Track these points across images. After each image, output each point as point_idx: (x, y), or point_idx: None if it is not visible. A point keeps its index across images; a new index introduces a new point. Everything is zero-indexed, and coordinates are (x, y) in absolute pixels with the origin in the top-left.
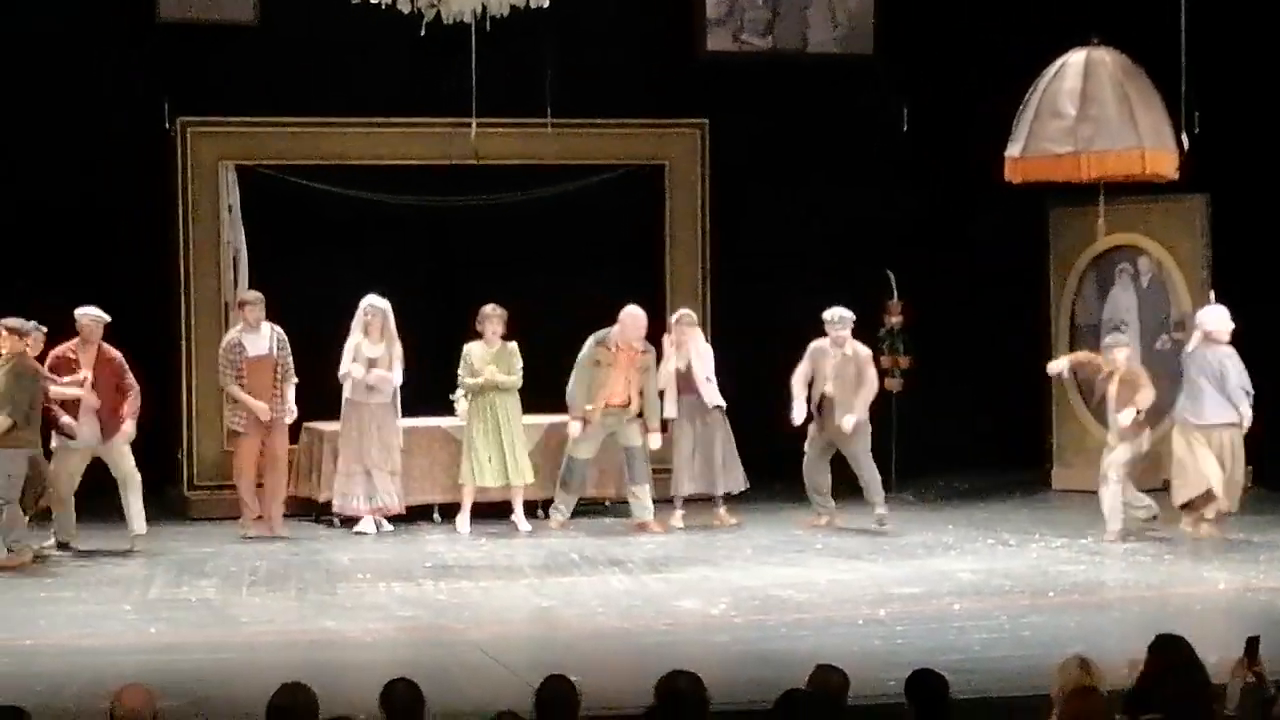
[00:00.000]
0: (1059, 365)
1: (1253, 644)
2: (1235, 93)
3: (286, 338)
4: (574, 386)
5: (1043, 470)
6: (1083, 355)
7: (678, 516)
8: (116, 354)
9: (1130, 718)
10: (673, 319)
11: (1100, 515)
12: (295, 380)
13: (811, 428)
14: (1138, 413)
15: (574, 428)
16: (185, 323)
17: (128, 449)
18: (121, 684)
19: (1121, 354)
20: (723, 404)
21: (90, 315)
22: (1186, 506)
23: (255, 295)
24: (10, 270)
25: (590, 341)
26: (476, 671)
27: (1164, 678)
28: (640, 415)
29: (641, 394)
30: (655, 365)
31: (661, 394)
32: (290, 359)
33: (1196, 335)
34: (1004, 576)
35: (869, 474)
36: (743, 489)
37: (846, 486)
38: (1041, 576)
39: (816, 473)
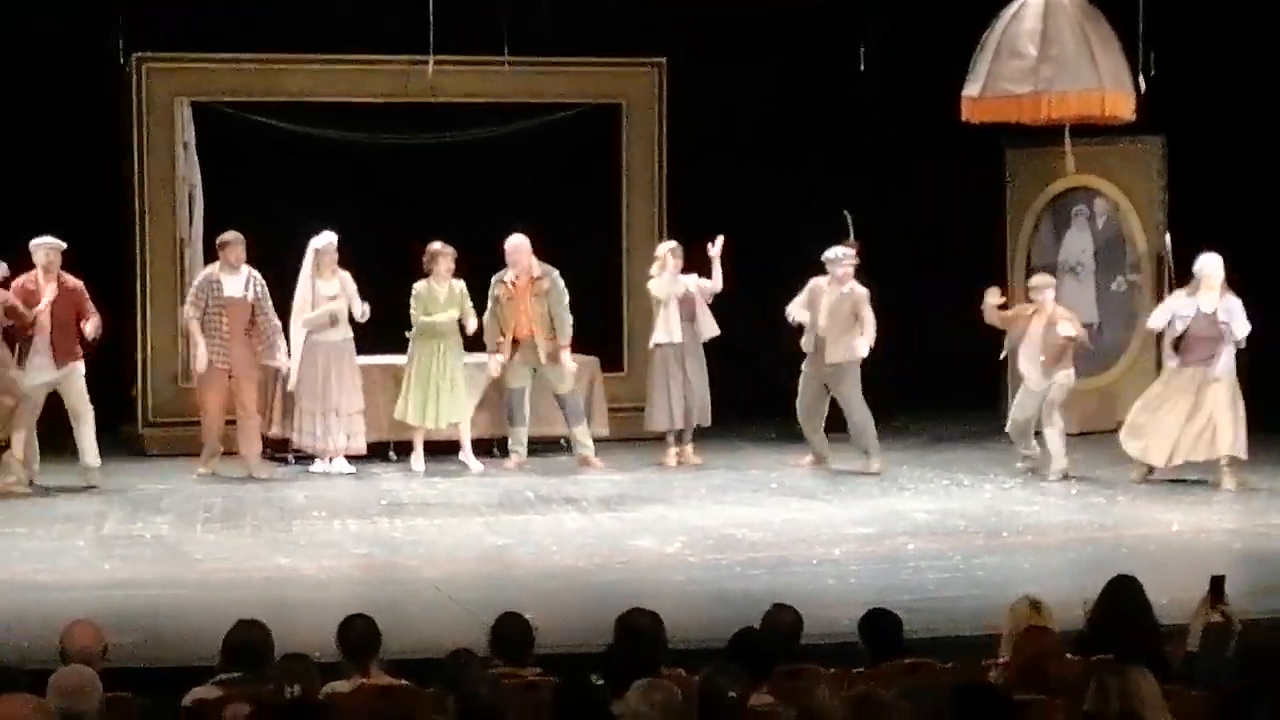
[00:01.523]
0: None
1: (1218, 583)
2: (1191, 34)
3: (265, 283)
4: (486, 324)
5: (998, 411)
6: (1010, 313)
7: (671, 455)
8: (77, 283)
9: (1082, 658)
10: (669, 248)
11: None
12: (278, 324)
13: (805, 365)
14: (1067, 338)
15: (492, 363)
16: (140, 260)
17: (83, 382)
18: (73, 620)
19: (1049, 294)
20: (717, 332)
21: (48, 244)
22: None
23: (235, 235)
24: None
25: (493, 281)
26: (431, 609)
27: (1115, 619)
28: (555, 352)
29: (551, 322)
30: (557, 289)
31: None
32: (269, 304)
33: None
34: (958, 517)
35: (859, 417)
36: (707, 425)
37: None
38: (995, 517)
39: (808, 413)
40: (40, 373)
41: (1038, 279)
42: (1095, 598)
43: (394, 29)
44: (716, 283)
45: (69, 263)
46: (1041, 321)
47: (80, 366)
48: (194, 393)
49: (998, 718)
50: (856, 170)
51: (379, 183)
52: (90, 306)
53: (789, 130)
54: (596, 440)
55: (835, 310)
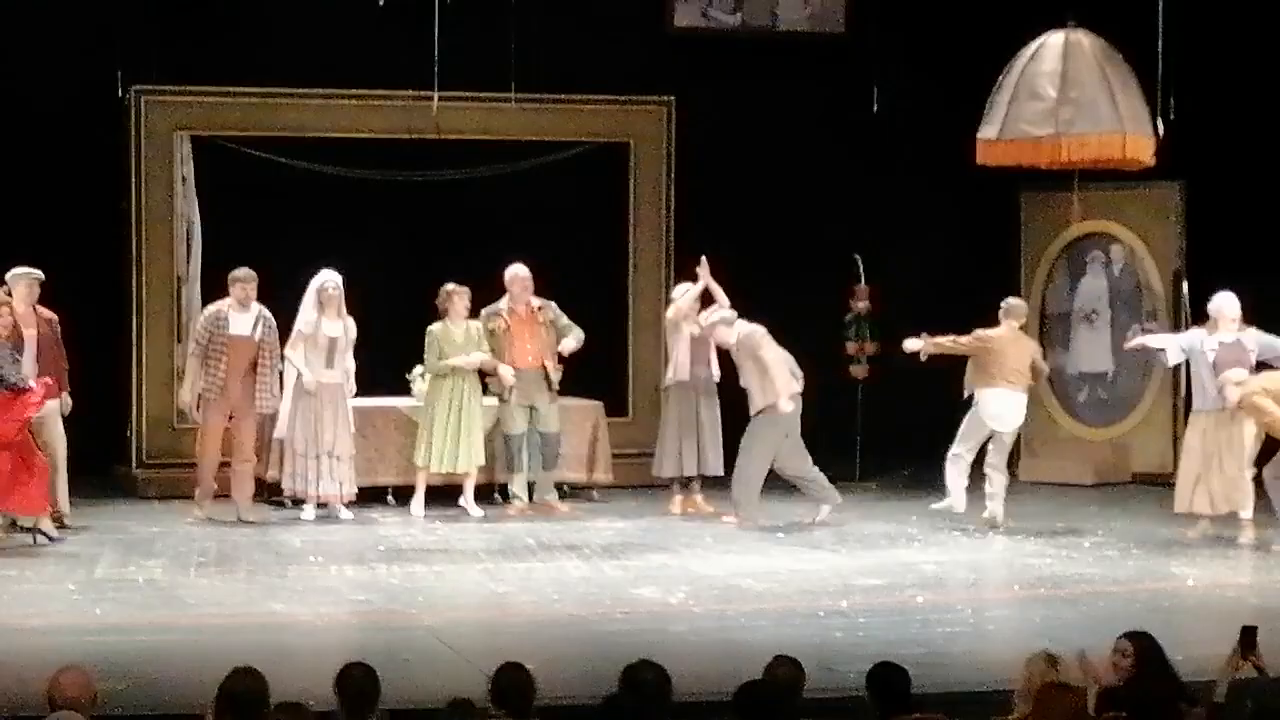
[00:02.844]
0: (915, 344)
1: (1249, 634)
2: (1209, 78)
3: (275, 323)
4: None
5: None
6: (945, 340)
7: (677, 503)
8: (52, 315)
9: (1094, 715)
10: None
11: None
12: (280, 369)
13: None
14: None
15: (504, 370)
16: (136, 297)
17: (59, 419)
18: (62, 666)
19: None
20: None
21: (30, 275)
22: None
23: (247, 272)
24: None
25: (484, 314)
26: (430, 658)
27: (1134, 677)
28: (551, 390)
29: (555, 354)
30: (558, 318)
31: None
32: (276, 348)
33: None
34: (968, 569)
35: (740, 464)
36: (718, 474)
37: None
38: (1006, 569)
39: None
40: None
41: (1013, 302)
42: (1105, 654)
43: (398, 64)
44: (723, 300)
45: (64, 300)
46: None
47: (57, 404)
48: (188, 434)
49: None
50: (868, 213)
51: (382, 220)
52: (60, 344)
53: (799, 171)
54: (602, 487)
55: (737, 359)
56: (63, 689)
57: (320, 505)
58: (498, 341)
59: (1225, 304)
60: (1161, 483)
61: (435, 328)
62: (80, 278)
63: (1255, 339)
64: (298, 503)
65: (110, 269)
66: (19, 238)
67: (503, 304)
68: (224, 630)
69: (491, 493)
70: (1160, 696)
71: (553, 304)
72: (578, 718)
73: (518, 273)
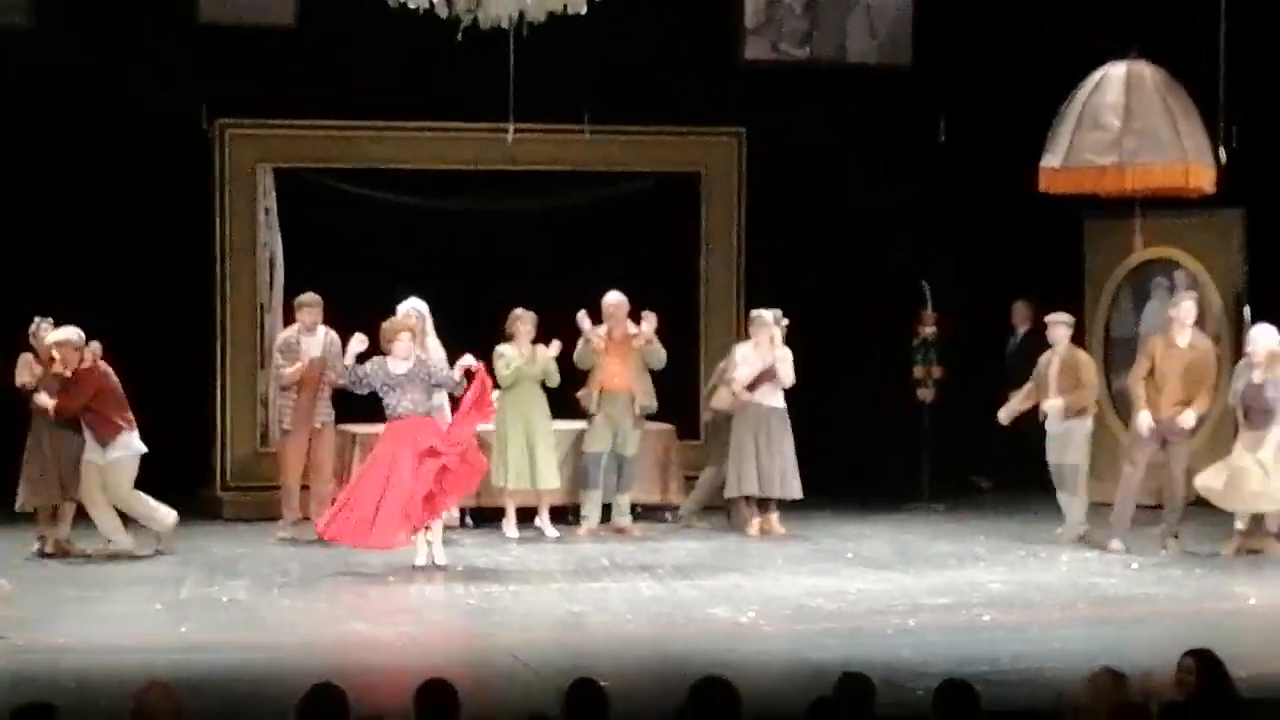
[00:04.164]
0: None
1: None
2: (1270, 108)
3: (339, 342)
4: (580, 353)
5: None
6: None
7: (754, 525)
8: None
9: None
10: (764, 316)
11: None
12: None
13: None
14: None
15: (589, 332)
16: (220, 325)
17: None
18: (146, 682)
19: (1062, 331)
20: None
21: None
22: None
23: (313, 297)
24: (44, 270)
25: (589, 332)
26: (507, 675)
27: (1197, 694)
28: (637, 416)
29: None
30: (653, 344)
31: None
32: (339, 364)
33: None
34: (1035, 588)
35: None
36: (797, 497)
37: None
38: (1072, 589)
39: None
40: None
41: (1055, 315)
42: (1169, 673)
43: (474, 97)
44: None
45: (149, 329)
46: (1055, 365)
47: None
48: (271, 458)
49: None
50: (935, 240)
51: (460, 248)
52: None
53: (867, 200)
54: (672, 508)
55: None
56: (148, 704)
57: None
58: (594, 354)
59: (1256, 337)
60: None
61: (503, 348)
62: (167, 306)
63: (1276, 382)
64: None
65: (196, 297)
66: (108, 268)
67: (602, 328)
68: (305, 649)
69: (565, 515)
70: (1223, 714)
71: (645, 333)
72: None
73: (617, 300)
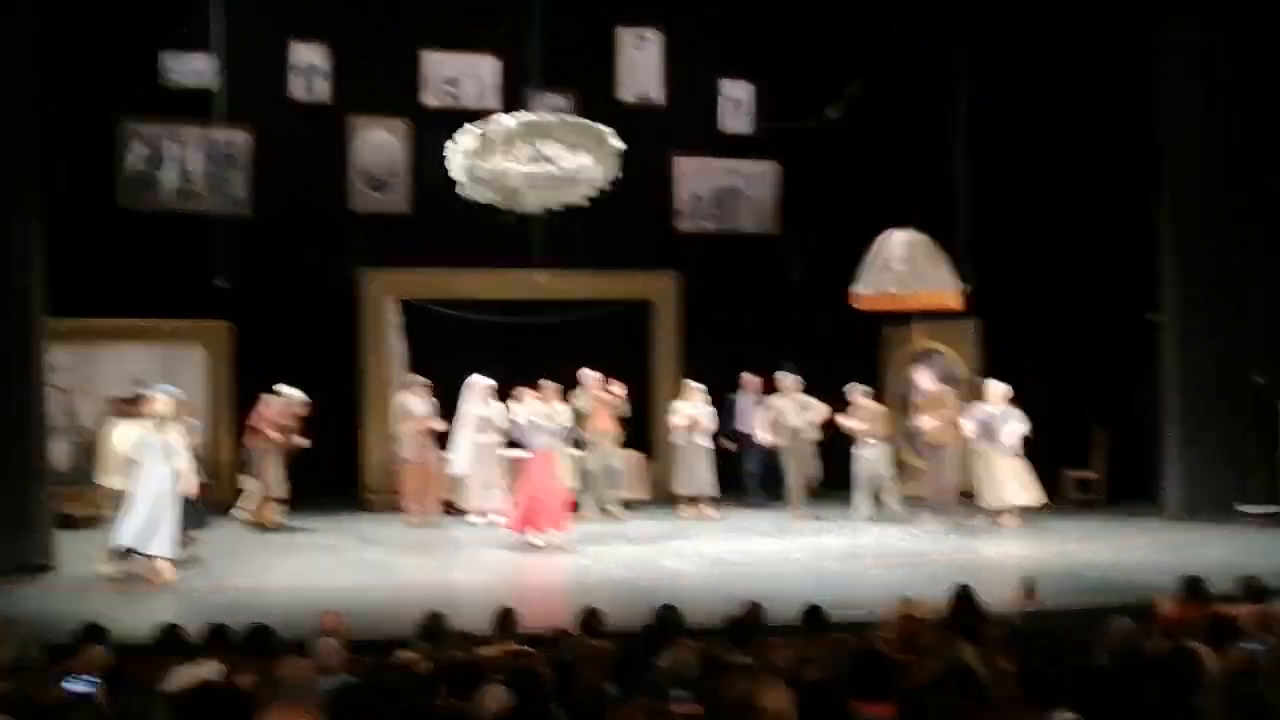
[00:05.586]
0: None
1: (1028, 582)
2: (996, 258)
3: (438, 404)
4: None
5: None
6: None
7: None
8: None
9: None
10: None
11: None
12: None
13: None
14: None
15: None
16: (363, 393)
17: None
18: (324, 610)
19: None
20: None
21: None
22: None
23: (417, 378)
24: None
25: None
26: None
27: (960, 611)
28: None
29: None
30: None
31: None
32: (435, 420)
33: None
34: (864, 550)
35: None
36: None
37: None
38: (880, 547)
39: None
40: None
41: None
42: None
43: (518, 248)
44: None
45: (324, 393)
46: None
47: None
48: (395, 472)
49: (882, 672)
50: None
51: (506, 345)
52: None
53: (762, 321)
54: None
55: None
56: (326, 622)
57: (480, 514)
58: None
59: (993, 387)
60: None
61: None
62: (334, 382)
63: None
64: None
65: (349, 382)
66: (293, 366)
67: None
68: (420, 588)
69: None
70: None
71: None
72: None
73: (589, 374)
